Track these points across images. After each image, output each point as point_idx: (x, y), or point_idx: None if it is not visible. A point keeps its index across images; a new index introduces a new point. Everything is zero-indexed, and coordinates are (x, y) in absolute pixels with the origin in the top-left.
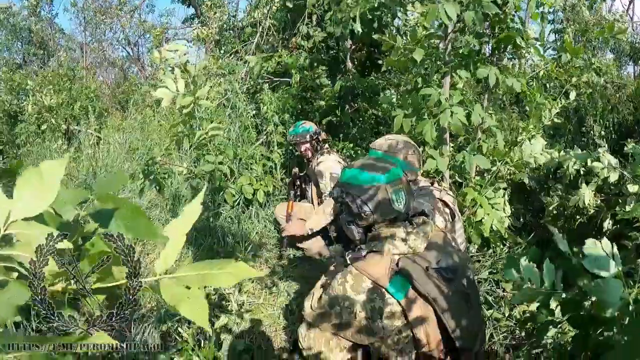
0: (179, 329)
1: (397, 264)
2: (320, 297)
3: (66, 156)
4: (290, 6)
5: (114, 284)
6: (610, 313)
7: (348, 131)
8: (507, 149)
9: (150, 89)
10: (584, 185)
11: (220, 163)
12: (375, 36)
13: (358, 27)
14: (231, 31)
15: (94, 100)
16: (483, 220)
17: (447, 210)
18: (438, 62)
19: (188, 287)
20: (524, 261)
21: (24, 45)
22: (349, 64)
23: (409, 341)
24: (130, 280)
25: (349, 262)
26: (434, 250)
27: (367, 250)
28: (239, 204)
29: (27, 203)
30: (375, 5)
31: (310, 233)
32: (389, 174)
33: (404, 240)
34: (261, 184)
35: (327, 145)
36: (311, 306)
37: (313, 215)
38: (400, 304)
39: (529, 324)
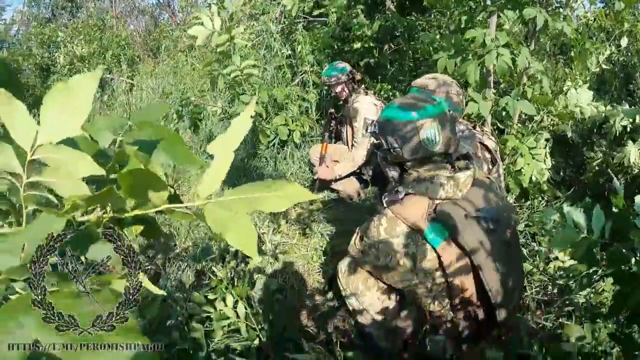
0: (213, 267)
1: (435, 209)
2: (361, 236)
3: (99, 68)
4: None
5: (153, 209)
6: None
7: (386, 72)
8: (552, 97)
9: (181, 34)
10: (630, 142)
11: (255, 103)
12: None
13: None
14: None
15: (125, 48)
16: (523, 169)
17: (488, 156)
18: (483, 1)
19: (235, 213)
20: (568, 207)
21: (52, 0)
22: (388, 3)
23: (443, 289)
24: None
25: (385, 204)
26: (477, 196)
27: (404, 192)
28: (274, 144)
29: (55, 124)
30: None
31: (337, 178)
32: (423, 110)
33: (444, 184)
34: (297, 125)
35: (363, 86)
36: (354, 243)
37: (342, 161)
38: (435, 251)
39: (562, 280)
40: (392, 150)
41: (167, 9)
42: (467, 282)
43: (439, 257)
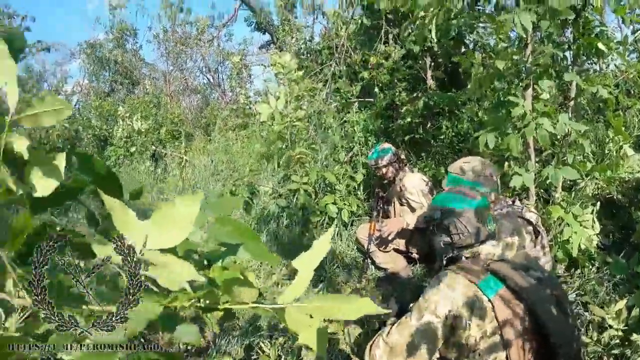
0: (261, 343)
1: (487, 267)
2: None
3: (199, 194)
4: (368, 24)
5: (242, 306)
6: None
7: (430, 148)
8: (596, 162)
9: (231, 114)
10: None
11: (305, 183)
12: (454, 58)
13: (433, 35)
14: (308, 54)
15: (178, 125)
16: (570, 239)
17: (530, 229)
18: (519, 74)
19: (311, 317)
20: None
21: (111, 75)
22: (429, 81)
23: (497, 342)
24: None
25: (444, 263)
26: (521, 257)
27: (462, 257)
28: (322, 224)
29: (162, 234)
30: (452, 16)
31: (406, 225)
32: (482, 199)
33: (494, 246)
34: (345, 204)
35: (408, 165)
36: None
37: (407, 215)
38: (490, 302)
39: (618, 349)
40: (460, 234)
41: (217, 88)
42: (521, 333)
43: (493, 308)
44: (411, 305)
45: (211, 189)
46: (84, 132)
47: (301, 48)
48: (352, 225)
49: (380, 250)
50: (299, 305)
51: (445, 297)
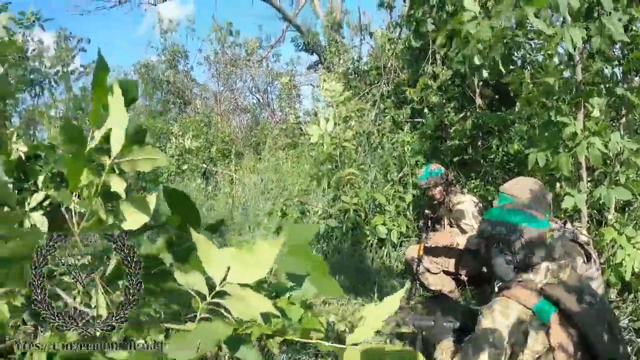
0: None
1: (540, 291)
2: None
3: (280, 240)
4: (416, 45)
5: (308, 340)
6: None
7: (480, 169)
8: None
9: (280, 133)
10: None
11: (355, 204)
12: (504, 79)
13: (485, 74)
14: (356, 75)
15: (228, 143)
16: (623, 262)
17: (582, 251)
18: (570, 91)
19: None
20: None
21: (163, 95)
22: (478, 100)
23: None
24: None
25: (497, 289)
26: (574, 280)
27: (515, 280)
28: (371, 245)
29: (242, 271)
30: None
31: (456, 244)
32: (546, 220)
33: (546, 272)
34: (394, 224)
35: (458, 185)
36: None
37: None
38: (545, 325)
39: None
40: (524, 255)
41: (266, 108)
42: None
43: (547, 332)
44: (466, 339)
45: (261, 207)
46: None
47: (349, 68)
48: (401, 245)
49: (429, 272)
50: (358, 348)
51: (501, 326)
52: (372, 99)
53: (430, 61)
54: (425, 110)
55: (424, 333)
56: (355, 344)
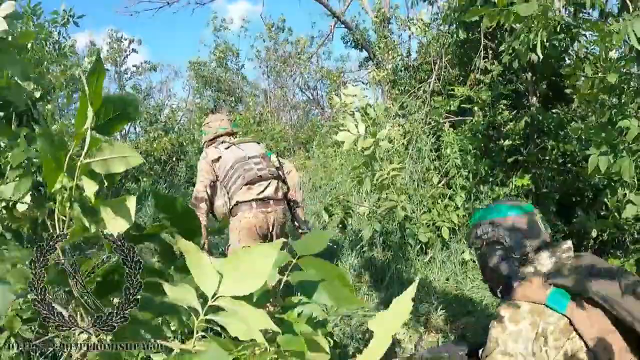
0: None
1: (547, 279)
2: None
3: (279, 242)
4: (463, 37)
5: None
6: None
7: (535, 171)
8: None
9: (330, 131)
10: None
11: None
12: (562, 70)
13: (539, 53)
14: (406, 71)
15: (278, 140)
16: None
17: None
18: (633, 89)
19: None
20: None
21: (215, 93)
22: (532, 98)
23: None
24: None
25: (499, 295)
26: (586, 260)
27: (516, 280)
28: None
29: (236, 281)
30: (557, 29)
31: None
32: (528, 205)
33: (549, 257)
34: (443, 220)
35: None
36: None
37: None
38: (565, 316)
39: None
40: (511, 244)
41: (316, 105)
42: (608, 339)
43: (570, 322)
44: (480, 351)
45: (309, 207)
46: (189, 146)
47: (398, 65)
48: (447, 249)
49: None
50: None
51: (511, 334)
52: (422, 95)
53: (481, 56)
54: (475, 108)
55: None
56: None
